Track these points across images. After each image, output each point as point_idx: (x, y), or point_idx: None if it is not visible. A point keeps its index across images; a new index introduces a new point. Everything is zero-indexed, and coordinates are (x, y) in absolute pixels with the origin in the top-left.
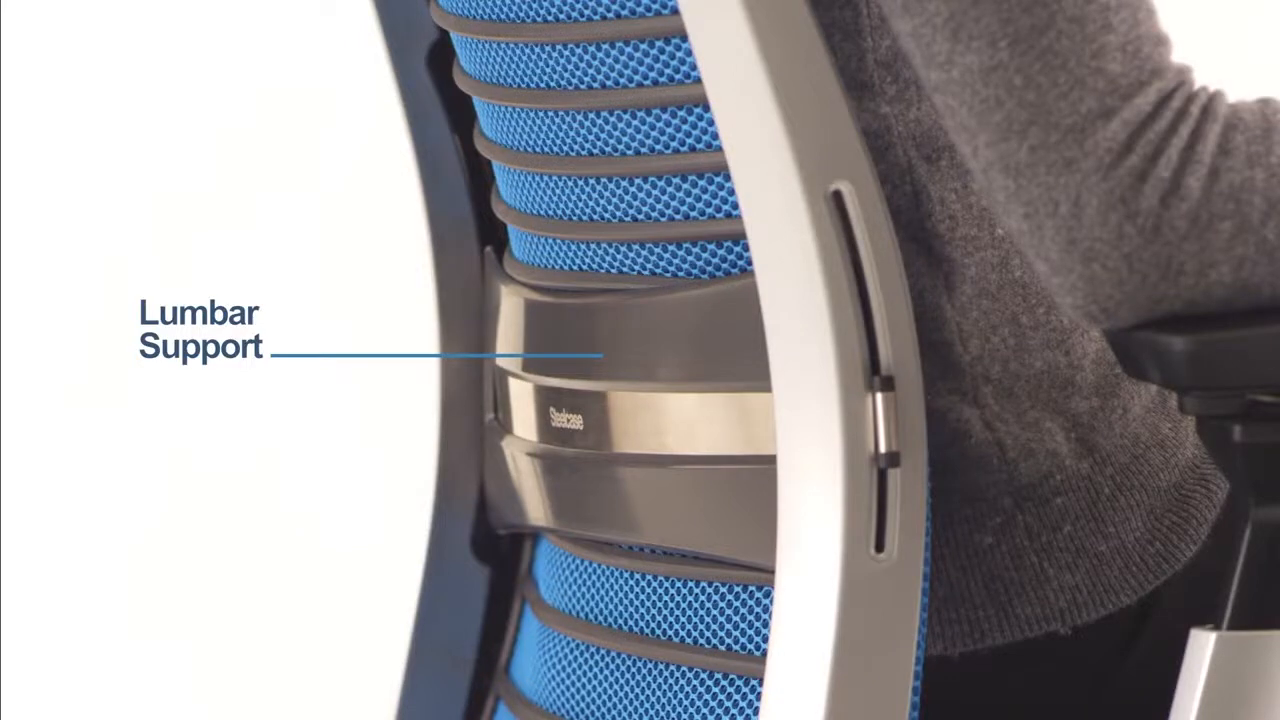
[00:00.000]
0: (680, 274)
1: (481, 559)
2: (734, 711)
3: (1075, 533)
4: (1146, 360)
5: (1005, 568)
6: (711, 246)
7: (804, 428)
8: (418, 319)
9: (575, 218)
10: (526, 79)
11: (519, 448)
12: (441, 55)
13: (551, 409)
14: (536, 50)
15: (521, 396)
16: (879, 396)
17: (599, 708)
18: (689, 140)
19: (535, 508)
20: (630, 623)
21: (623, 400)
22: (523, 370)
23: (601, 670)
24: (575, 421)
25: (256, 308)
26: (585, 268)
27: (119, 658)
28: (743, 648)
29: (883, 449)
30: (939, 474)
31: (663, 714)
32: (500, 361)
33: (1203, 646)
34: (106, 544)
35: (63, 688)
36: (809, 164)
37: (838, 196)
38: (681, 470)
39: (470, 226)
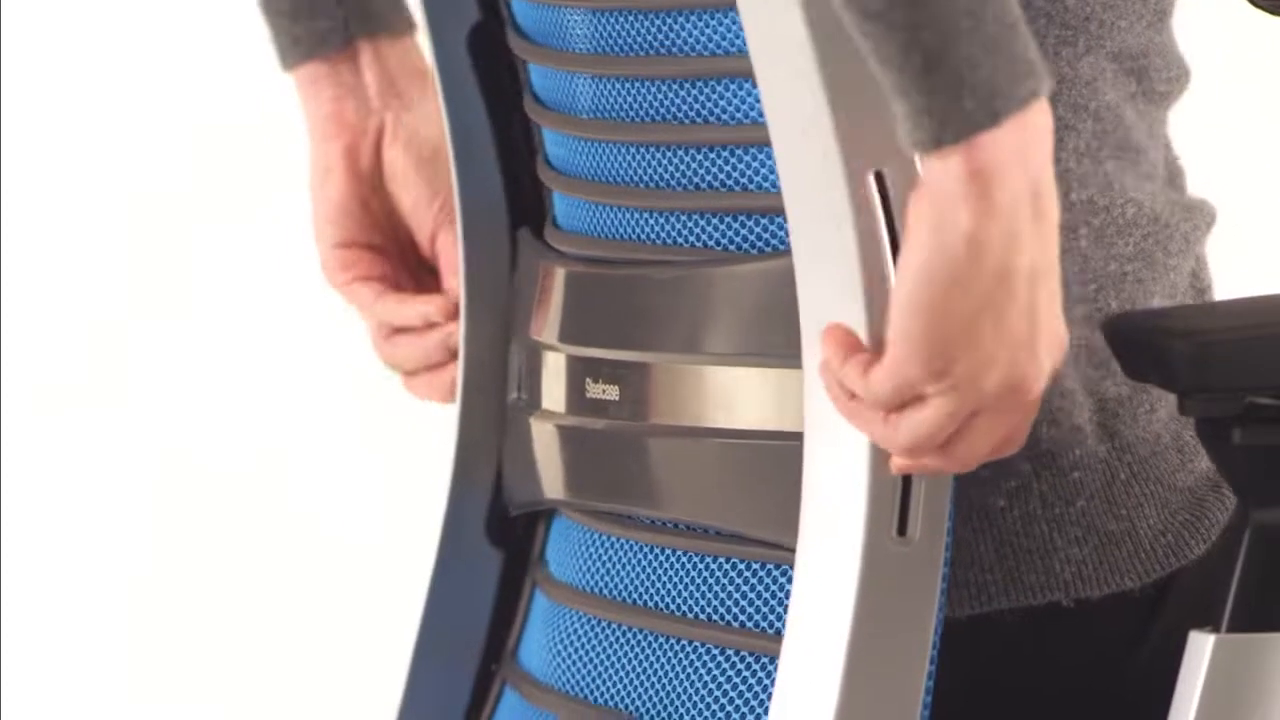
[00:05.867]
0: (732, 248)
1: (495, 543)
2: (742, 688)
3: (1088, 509)
4: (1146, 362)
5: (1015, 533)
6: (764, 221)
7: (831, 407)
8: None
9: (632, 183)
10: (586, 45)
11: (544, 421)
12: (482, 37)
13: (588, 379)
14: (596, 16)
15: (555, 369)
16: None
17: (608, 681)
18: (752, 113)
19: (554, 481)
20: (644, 597)
21: (665, 372)
22: (559, 341)
23: (612, 644)
24: (611, 392)
25: (255, 307)
26: (636, 238)
27: (120, 657)
28: (756, 625)
29: None
30: None
31: (672, 689)
32: (535, 335)
33: (1201, 648)
34: (107, 543)
35: (63, 688)
36: (851, 144)
37: (879, 178)
38: (715, 444)
39: (501, 210)
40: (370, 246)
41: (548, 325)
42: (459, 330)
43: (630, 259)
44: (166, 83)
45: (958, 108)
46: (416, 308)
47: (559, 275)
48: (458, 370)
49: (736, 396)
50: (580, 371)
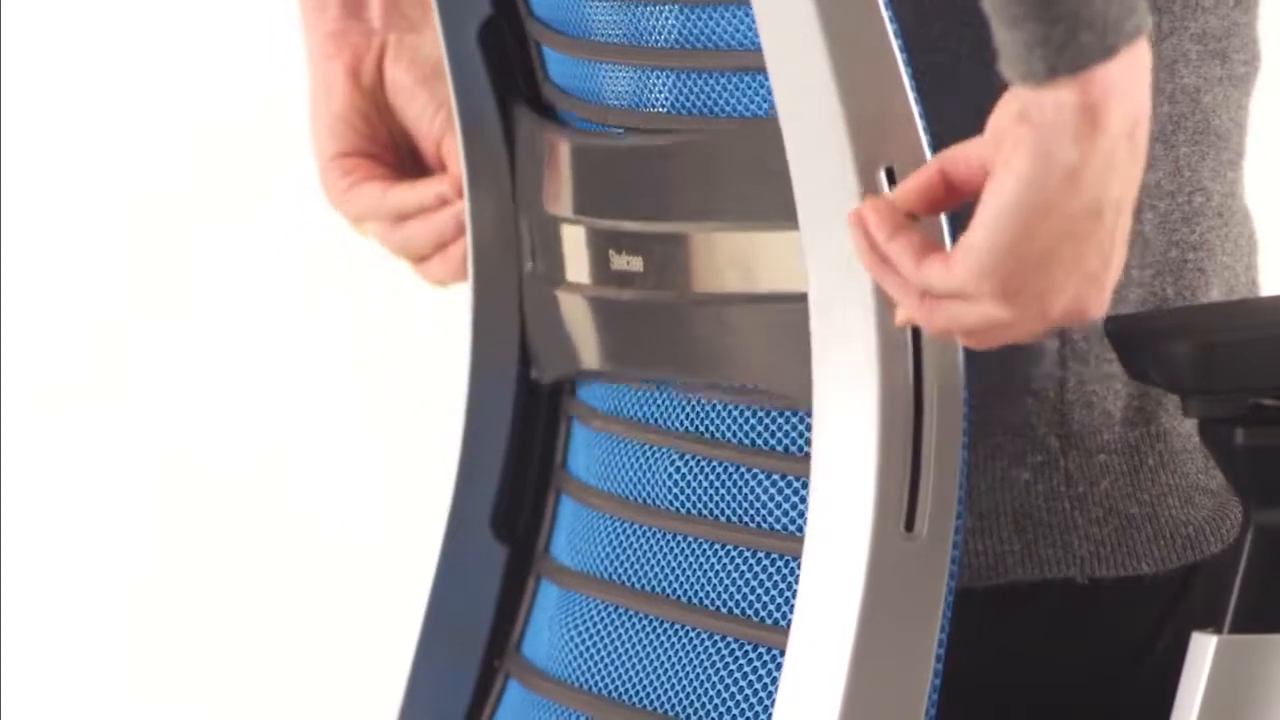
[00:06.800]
0: (759, 114)
1: (500, 538)
2: (751, 678)
3: (1112, 491)
4: (1148, 363)
5: (1037, 507)
6: (761, 78)
7: (842, 382)
8: (419, 315)
9: (649, 44)
10: (608, 34)
11: (572, 292)
12: (492, 31)
13: (610, 251)
14: (618, 7)
15: (574, 241)
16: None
17: (619, 669)
18: None
19: (590, 352)
20: (659, 585)
21: (688, 241)
22: (574, 213)
23: (625, 631)
24: (635, 264)
25: (255, 307)
26: (635, 106)
27: (120, 657)
28: (770, 617)
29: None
30: (987, 400)
31: (682, 677)
32: (549, 208)
33: (1204, 650)
34: (107, 543)
35: (63, 688)
36: (863, 140)
37: (890, 174)
38: (743, 308)
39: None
40: (370, 155)
41: (561, 198)
42: (465, 206)
43: (649, 129)
44: (166, 83)
45: (1075, 39)
46: (430, 188)
47: (564, 148)
48: (467, 245)
49: (761, 261)
50: (601, 243)
